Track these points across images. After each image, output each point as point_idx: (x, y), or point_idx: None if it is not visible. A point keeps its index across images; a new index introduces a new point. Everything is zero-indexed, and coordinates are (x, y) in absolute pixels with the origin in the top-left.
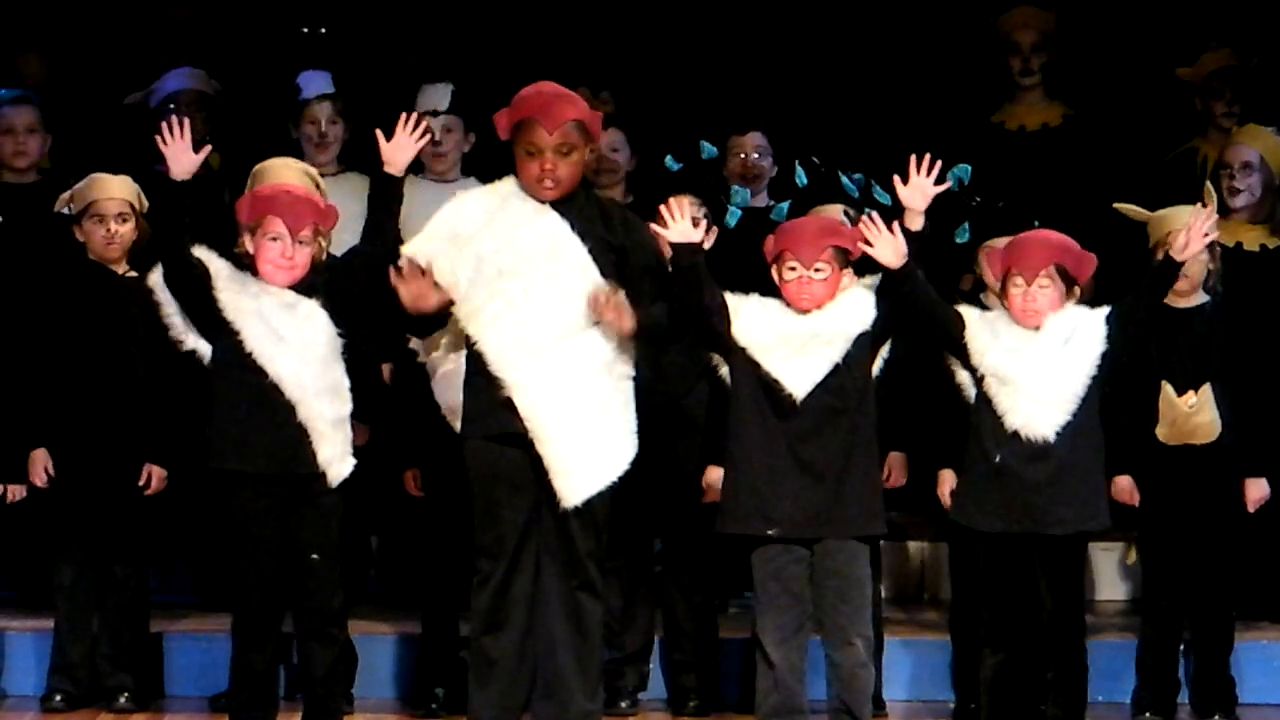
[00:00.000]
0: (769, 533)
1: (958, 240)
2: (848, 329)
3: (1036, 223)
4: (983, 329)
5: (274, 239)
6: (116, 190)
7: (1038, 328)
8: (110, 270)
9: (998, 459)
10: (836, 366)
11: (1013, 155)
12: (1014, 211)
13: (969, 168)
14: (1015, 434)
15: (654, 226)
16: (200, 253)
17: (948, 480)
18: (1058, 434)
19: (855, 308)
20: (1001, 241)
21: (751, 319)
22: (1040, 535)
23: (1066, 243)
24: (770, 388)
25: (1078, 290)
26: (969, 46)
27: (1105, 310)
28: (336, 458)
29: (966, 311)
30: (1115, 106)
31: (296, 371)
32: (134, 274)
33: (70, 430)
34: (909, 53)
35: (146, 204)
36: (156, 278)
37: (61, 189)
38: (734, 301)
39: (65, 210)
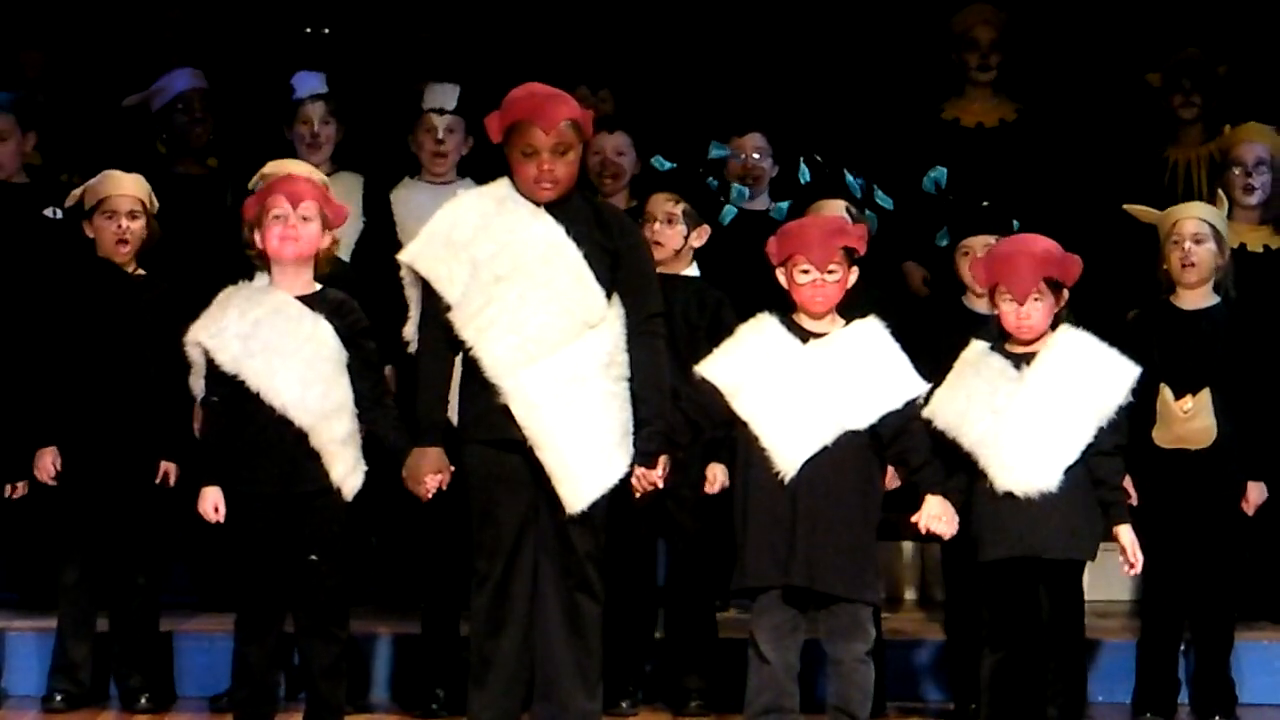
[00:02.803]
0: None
1: (939, 244)
2: (863, 394)
3: (1016, 224)
4: (957, 397)
5: (276, 216)
6: (129, 187)
7: (1027, 363)
8: (120, 268)
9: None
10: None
11: (976, 153)
12: (992, 210)
13: (945, 170)
14: (1009, 493)
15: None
16: (196, 352)
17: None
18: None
19: (878, 376)
20: (977, 241)
21: (752, 384)
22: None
23: (1050, 252)
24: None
25: (1065, 293)
26: (914, 43)
27: (1114, 366)
28: (349, 473)
29: (939, 399)
30: (1061, 101)
31: (301, 398)
32: (142, 272)
33: (80, 429)
34: (902, 52)
35: (156, 205)
36: (195, 385)
37: (53, 186)
38: (729, 375)
39: (52, 213)
